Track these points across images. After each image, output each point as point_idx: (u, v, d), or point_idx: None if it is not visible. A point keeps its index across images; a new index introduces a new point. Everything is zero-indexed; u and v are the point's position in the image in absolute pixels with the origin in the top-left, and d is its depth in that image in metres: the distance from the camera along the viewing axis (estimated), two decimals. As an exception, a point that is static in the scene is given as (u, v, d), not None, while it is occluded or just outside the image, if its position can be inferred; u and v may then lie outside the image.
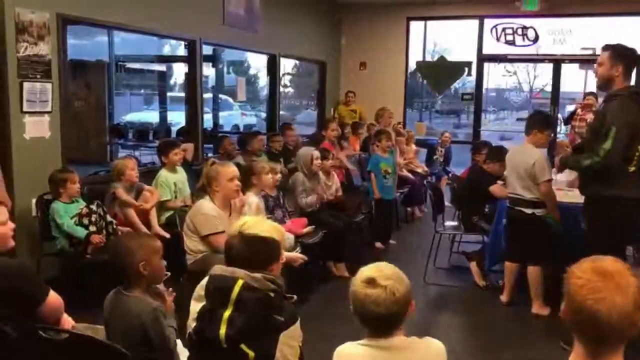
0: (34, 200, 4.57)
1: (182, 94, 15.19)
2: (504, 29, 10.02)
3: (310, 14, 9.50)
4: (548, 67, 10.40)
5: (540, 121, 4.53)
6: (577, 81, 12.13)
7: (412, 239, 6.78)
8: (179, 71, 13.89)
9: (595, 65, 3.88)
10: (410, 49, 10.64)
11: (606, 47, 3.85)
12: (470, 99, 10.54)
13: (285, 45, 8.62)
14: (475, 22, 10.13)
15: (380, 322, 1.80)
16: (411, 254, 6.16)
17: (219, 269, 2.04)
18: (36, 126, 4.68)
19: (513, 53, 10.11)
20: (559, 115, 10.36)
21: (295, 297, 2.06)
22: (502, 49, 10.10)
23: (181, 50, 11.84)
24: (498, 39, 10.08)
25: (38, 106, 4.67)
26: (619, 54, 3.78)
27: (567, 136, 8.61)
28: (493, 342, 4.15)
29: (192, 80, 6.67)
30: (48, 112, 4.78)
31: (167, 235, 4.88)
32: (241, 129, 13.91)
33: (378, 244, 6.30)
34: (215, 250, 3.75)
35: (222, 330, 1.90)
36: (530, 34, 9.90)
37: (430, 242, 6.51)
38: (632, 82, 3.91)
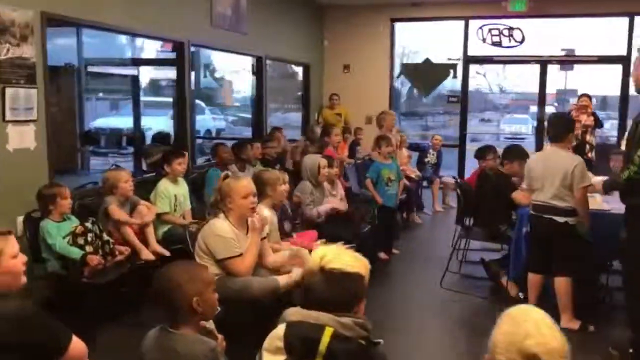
0: (19, 219, 4.13)
1: (156, 99, 14.77)
2: (490, 30, 9.88)
3: (293, 16, 9.19)
4: (517, 69, 10.32)
5: (568, 124, 4.33)
6: (558, 82, 12.05)
7: (415, 247, 6.53)
8: (151, 75, 13.47)
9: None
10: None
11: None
12: (456, 101, 10.36)
13: (271, 47, 8.29)
14: (461, 23, 9.97)
15: None
16: (421, 263, 5.91)
17: (296, 313, 1.70)
18: (20, 136, 4.23)
19: (499, 54, 9.99)
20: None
21: (382, 341, 1.74)
22: (488, 50, 9.97)
23: (151, 53, 11.42)
24: (484, 40, 9.94)
25: (22, 114, 4.23)
26: None
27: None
28: None
29: (181, 85, 6.27)
30: (33, 121, 4.33)
31: (167, 253, 4.52)
32: (213, 134, 13.50)
33: (382, 255, 6.02)
34: (231, 275, 3.41)
35: None
36: (517, 35, 9.79)
37: (435, 250, 6.37)
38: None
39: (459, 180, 6.09)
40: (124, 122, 12.83)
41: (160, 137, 11.08)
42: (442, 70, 10.25)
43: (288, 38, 8.95)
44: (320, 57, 10.38)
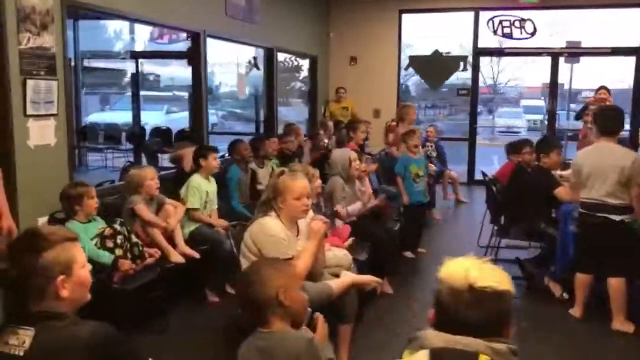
0: (42, 220, 3.85)
1: (156, 93, 14.41)
2: (500, 22, 9.69)
3: (299, 6, 8.92)
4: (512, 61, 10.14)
5: (621, 117, 4.14)
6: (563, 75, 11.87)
7: (440, 245, 6.32)
8: (146, 69, 13.12)
9: None
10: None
11: None
12: (467, 94, 10.17)
13: (280, 38, 8.03)
14: (471, 14, 9.76)
15: None
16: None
17: (439, 339, 1.45)
18: (41, 132, 3.95)
19: (510, 47, 9.81)
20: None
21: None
22: (499, 42, 9.79)
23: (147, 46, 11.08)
24: (495, 32, 9.75)
25: (43, 108, 3.94)
26: None
27: (580, 132, 8.33)
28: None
29: (197, 78, 5.99)
30: (54, 115, 4.05)
31: (197, 255, 4.28)
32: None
33: (407, 253, 5.81)
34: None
35: None
36: (528, 26, 9.61)
37: (462, 248, 6.15)
38: None
39: (488, 176, 5.84)
40: (120, 117, 12.51)
41: (158, 132, 10.81)
42: (452, 63, 10.05)
43: (295, 29, 8.70)
44: (326, 50, 10.13)
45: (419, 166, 5.74)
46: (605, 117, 4.16)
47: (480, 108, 24.36)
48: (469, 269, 1.48)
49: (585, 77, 11.75)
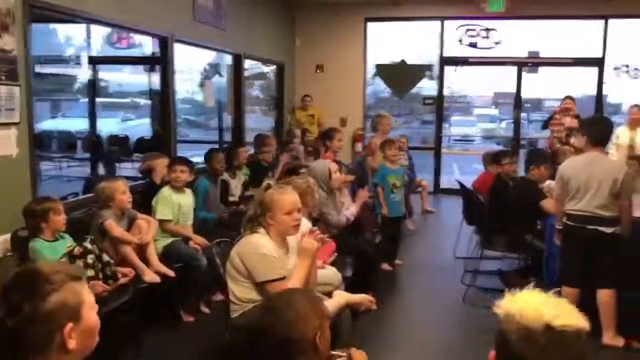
0: (3, 238, 3.53)
1: (112, 100, 13.90)
2: (466, 31, 9.73)
3: (267, 13, 8.73)
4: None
5: (611, 128, 4.09)
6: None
7: (417, 257, 6.19)
8: (107, 75, 12.63)
9: None
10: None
11: None
12: (433, 103, 10.15)
13: (247, 44, 7.80)
14: (437, 23, 9.76)
15: None
16: (430, 274, 5.59)
17: None
18: (1, 142, 3.62)
19: (475, 56, 9.84)
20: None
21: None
22: (464, 51, 9.81)
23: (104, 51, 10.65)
24: (460, 41, 9.77)
25: (3, 116, 3.61)
26: None
27: (547, 141, 8.40)
28: None
29: (166, 84, 5.70)
30: (15, 124, 3.72)
31: (171, 274, 4.00)
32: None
33: (385, 266, 5.66)
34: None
35: None
36: (493, 36, 9.67)
37: (439, 259, 6.07)
38: None
39: (466, 187, 5.76)
40: (73, 124, 11.97)
41: (116, 140, 10.38)
42: (417, 72, 10.03)
43: (262, 36, 8.49)
44: (292, 57, 9.95)
45: (397, 177, 5.62)
46: (596, 127, 4.10)
47: (432, 117, 24.63)
48: (543, 306, 1.30)
49: (543, 87, 11.87)
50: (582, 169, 3.97)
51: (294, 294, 1.74)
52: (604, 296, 3.93)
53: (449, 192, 9.76)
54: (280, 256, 3.00)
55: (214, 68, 7.60)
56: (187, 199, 4.49)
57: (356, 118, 10.01)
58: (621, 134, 7.30)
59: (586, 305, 4.03)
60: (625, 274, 3.91)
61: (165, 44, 5.63)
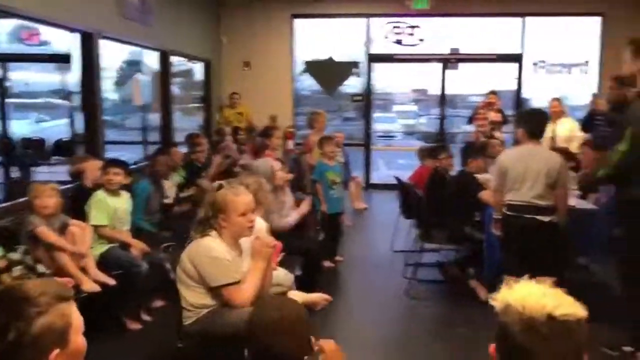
0: None
1: (25, 100, 13.08)
2: (392, 28, 9.88)
3: (193, 9, 8.51)
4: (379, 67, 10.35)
5: (546, 120, 4.23)
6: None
7: (356, 252, 6.20)
8: (17, 75, 11.87)
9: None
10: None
11: (629, 42, 3.62)
12: (361, 100, 10.24)
13: (174, 41, 7.56)
14: (363, 20, 9.86)
15: None
16: (371, 270, 5.62)
17: None
18: None
19: (401, 53, 10.00)
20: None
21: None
22: (391, 48, 9.96)
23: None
24: (387, 38, 9.91)
25: None
26: (637, 48, 3.55)
27: (472, 135, 8.66)
28: None
29: (90, 85, 5.39)
30: None
31: (112, 282, 3.80)
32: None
33: (326, 263, 5.62)
34: (228, 305, 2.84)
35: None
36: (418, 33, 9.88)
37: (379, 254, 6.11)
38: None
39: (403, 182, 5.83)
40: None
41: (30, 143, 9.79)
42: (345, 69, 10.09)
43: (188, 33, 8.27)
44: (219, 54, 9.75)
45: (335, 173, 5.60)
46: (529, 120, 4.23)
47: (355, 114, 24.99)
48: (544, 297, 1.30)
49: (464, 83, 12.23)
50: (520, 160, 4.08)
51: (282, 301, 1.68)
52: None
53: (379, 187, 9.90)
54: (234, 259, 2.90)
55: (134, 66, 7.27)
56: (123, 202, 4.27)
57: (286, 116, 9.93)
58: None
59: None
60: (563, 260, 4.05)
61: (89, 40, 5.33)
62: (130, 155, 7.62)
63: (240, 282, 2.85)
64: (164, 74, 7.37)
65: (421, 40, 9.87)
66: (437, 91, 10.58)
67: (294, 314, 1.64)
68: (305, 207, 4.90)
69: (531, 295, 1.30)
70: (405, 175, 6.22)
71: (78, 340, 1.33)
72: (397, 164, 14.91)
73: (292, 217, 4.47)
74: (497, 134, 8.28)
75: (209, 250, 2.82)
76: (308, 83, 10.47)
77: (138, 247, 4.15)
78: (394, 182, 8.53)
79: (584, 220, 4.13)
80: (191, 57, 8.82)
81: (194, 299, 2.87)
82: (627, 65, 3.59)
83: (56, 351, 1.26)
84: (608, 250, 3.79)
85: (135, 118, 9.36)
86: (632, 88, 3.67)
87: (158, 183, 5.01)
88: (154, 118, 8.04)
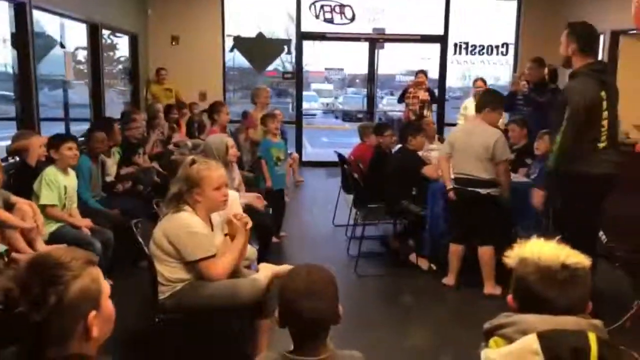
0: None
1: None
2: (322, 7, 9.95)
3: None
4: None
5: (493, 100, 4.46)
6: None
7: (298, 228, 6.32)
8: None
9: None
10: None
11: (566, 26, 3.86)
12: (292, 78, 10.28)
13: (103, 14, 7.26)
14: (293, -2, 9.87)
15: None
16: (315, 245, 5.74)
17: (542, 322, 1.41)
18: None
19: (331, 31, 10.10)
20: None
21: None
22: (321, 27, 10.03)
23: None
24: (317, 17, 9.98)
25: None
26: (573, 31, 3.76)
27: (403, 113, 8.93)
28: (450, 326, 4.00)
29: (25, 57, 5.12)
30: None
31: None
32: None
33: (273, 239, 5.70)
34: (203, 278, 2.88)
35: None
36: (348, 12, 10.01)
37: (320, 229, 6.25)
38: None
39: (345, 157, 5.97)
40: None
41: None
42: (276, 46, 10.08)
43: (115, 5, 7.96)
44: (144, 28, 9.44)
45: (280, 149, 5.66)
46: (482, 96, 4.50)
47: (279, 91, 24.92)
48: (555, 249, 1.47)
49: (391, 63, 12.54)
50: (464, 135, 4.38)
51: (316, 273, 1.74)
52: (483, 253, 4.37)
53: (308, 164, 10.04)
54: (209, 233, 2.94)
55: (50, 39, 6.87)
56: (71, 180, 4.15)
57: (216, 92, 9.80)
58: (469, 105, 8.00)
59: (471, 259, 4.49)
60: (502, 232, 4.34)
61: (22, 12, 5.04)
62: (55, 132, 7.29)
63: (215, 255, 2.90)
64: (95, 48, 7.08)
65: (351, 19, 10.01)
66: (364, 70, 10.78)
67: (329, 283, 1.72)
68: (252, 199, 4.90)
69: (545, 249, 1.47)
70: (338, 152, 6.37)
71: (108, 304, 1.37)
72: (321, 141, 15.12)
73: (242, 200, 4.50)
74: (426, 112, 8.62)
75: (186, 225, 2.85)
76: (241, 59, 10.37)
77: (84, 224, 4.05)
78: (323, 159, 8.59)
79: (518, 194, 4.44)
80: (117, 30, 8.49)
81: (170, 273, 2.89)
82: (563, 48, 3.83)
83: (93, 313, 1.29)
84: (554, 224, 4.06)
85: (57, 94, 8.93)
86: (566, 69, 3.90)
87: (97, 160, 4.88)
88: (80, 93, 7.72)
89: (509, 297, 1.56)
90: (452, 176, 4.46)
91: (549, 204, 4.00)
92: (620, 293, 4.19)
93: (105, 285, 1.36)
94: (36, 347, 1.24)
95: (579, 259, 1.47)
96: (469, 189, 4.33)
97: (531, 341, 1.37)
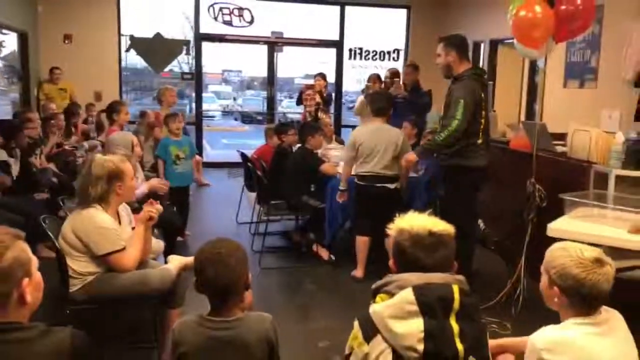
0: None
1: None
2: (221, 9, 10.07)
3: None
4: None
5: (389, 100, 4.85)
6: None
7: (202, 226, 6.40)
8: None
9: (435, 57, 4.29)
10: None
11: (439, 40, 4.31)
12: (191, 79, 10.31)
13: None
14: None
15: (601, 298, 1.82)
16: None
17: (416, 278, 1.71)
18: None
19: (230, 34, 10.24)
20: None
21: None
22: (220, 29, 10.15)
23: None
24: (216, 19, 10.09)
25: None
26: (449, 42, 4.26)
27: (301, 115, 9.23)
28: (348, 310, 3.96)
29: None
30: None
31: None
32: None
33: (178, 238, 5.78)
34: (113, 271, 3.00)
35: (460, 347, 1.62)
36: (247, 15, 10.20)
37: (223, 227, 6.38)
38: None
39: (248, 157, 6.16)
40: None
41: None
42: (174, 47, 10.07)
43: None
44: (35, 25, 9.12)
45: (180, 148, 5.71)
46: (374, 100, 4.87)
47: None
48: (424, 220, 1.79)
49: (288, 66, 12.83)
50: (370, 136, 4.71)
51: (225, 245, 1.98)
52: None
53: (208, 165, 10.12)
54: (117, 227, 3.05)
55: None
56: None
57: (112, 92, 9.60)
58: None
59: (378, 251, 4.78)
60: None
61: None
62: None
63: (125, 248, 3.01)
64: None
65: (249, 22, 10.20)
66: (262, 72, 11.01)
67: (234, 251, 1.95)
68: (154, 181, 4.98)
69: (416, 220, 1.80)
70: (241, 152, 6.55)
71: (37, 273, 1.53)
72: (222, 143, 15.13)
73: (139, 190, 4.57)
74: (321, 114, 8.96)
75: (97, 222, 2.95)
76: (136, 60, 10.25)
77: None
78: (223, 160, 8.63)
79: (410, 186, 4.87)
80: (5, 27, 8.16)
81: (80, 267, 2.97)
82: (442, 58, 4.26)
83: (26, 279, 1.44)
84: (439, 211, 4.48)
85: None
86: (449, 75, 4.33)
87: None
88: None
89: (390, 262, 1.87)
90: (359, 174, 4.77)
91: (435, 193, 4.46)
92: (495, 274, 4.70)
93: (34, 257, 1.50)
94: None
95: (444, 227, 1.80)
96: (378, 185, 4.69)
97: (407, 293, 1.68)
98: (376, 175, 4.68)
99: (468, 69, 4.21)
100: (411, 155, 4.41)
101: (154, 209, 3.11)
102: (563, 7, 3.91)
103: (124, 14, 9.77)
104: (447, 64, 4.23)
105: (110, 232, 2.95)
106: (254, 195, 5.92)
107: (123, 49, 9.91)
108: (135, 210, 3.49)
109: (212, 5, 10.01)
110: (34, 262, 1.50)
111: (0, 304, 1.40)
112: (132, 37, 9.92)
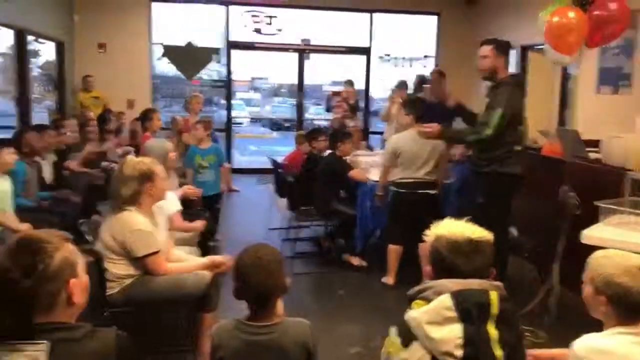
0: None
1: None
2: (251, 17, 10.19)
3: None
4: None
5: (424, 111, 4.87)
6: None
7: (235, 233, 6.45)
8: None
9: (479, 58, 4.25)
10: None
11: (488, 42, 4.21)
12: (223, 86, 10.44)
13: (28, 20, 7.17)
14: (223, 8, 10.06)
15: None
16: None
17: (454, 284, 1.72)
18: None
19: (260, 41, 10.35)
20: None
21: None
22: (250, 36, 10.27)
23: None
24: (246, 26, 10.21)
25: None
26: (500, 46, 4.18)
27: (330, 122, 9.26)
28: (380, 316, 4.14)
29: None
30: None
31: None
32: None
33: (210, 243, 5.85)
34: (149, 273, 3.06)
35: (499, 352, 1.64)
36: (276, 23, 10.30)
37: (256, 233, 6.42)
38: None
39: (279, 163, 6.22)
40: None
41: None
42: (205, 54, 10.21)
43: (40, 10, 7.85)
44: (71, 35, 9.34)
45: (204, 157, 5.75)
46: (419, 106, 4.87)
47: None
48: (464, 226, 1.80)
49: (317, 73, 12.89)
50: (413, 142, 4.68)
51: (262, 251, 2.03)
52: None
53: (238, 172, 10.21)
54: (153, 230, 3.11)
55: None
56: (6, 185, 4.17)
57: (144, 100, 9.80)
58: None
59: (410, 259, 4.77)
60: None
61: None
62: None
63: (160, 251, 3.07)
64: (21, 55, 6.98)
65: (279, 30, 10.30)
66: (289, 79, 11.07)
67: (273, 257, 1.99)
68: (187, 188, 5.04)
69: (454, 226, 1.81)
70: (272, 159, 6.61)
71: (84, 274, 1.57)
72: (250, 150, 15.26)
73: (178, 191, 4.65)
74: (349, 121, 8.98)
75: (133, 224, 3.02)
76: (166, 68, 10.42)
77: (22, 228, 4.09)
78: (252, 167, 8.66)
79: (443, 192, 4.88)
80: (44, 37, 8.38)
81: (119, 270, 3.04)
82: (490, 61, 4.17)
83: (73, 280, 1.49)
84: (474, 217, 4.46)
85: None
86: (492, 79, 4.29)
87: (32, 163, 4.90)
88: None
89: (427, 268, 1.88)
90: (398, 181, 4.77)
91: (466, 199, 4.44)
92: (528, 281, 4.66)
93: (81, 259, 1.56)
94: (26, 313, 1.42)
95: (482, 234, 1.81)
96: (420, 191, 4.69)
97: (445, 299, 1.69)
98: (419, 181, 4.67)
99: (509, 75, 4.20)
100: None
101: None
102: (597, 13, 3.88)
103: (155, 23, 9.94)
104: (495, 68, 4.16)
105: (146, 234, 3.02)
106: (283, 201, 5.97)
107: (154, 57, 10.09)
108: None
109: (242, 14, 10.12)
110: (81, 262, 1.55)
111: (48, 304, 1.45)
112: (165, 46, 10.10)
